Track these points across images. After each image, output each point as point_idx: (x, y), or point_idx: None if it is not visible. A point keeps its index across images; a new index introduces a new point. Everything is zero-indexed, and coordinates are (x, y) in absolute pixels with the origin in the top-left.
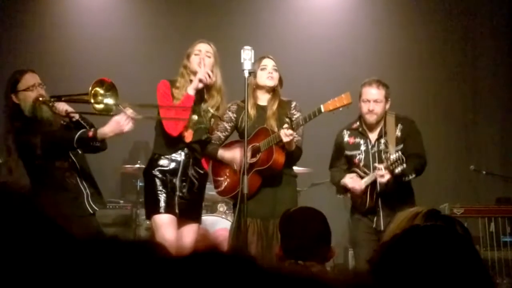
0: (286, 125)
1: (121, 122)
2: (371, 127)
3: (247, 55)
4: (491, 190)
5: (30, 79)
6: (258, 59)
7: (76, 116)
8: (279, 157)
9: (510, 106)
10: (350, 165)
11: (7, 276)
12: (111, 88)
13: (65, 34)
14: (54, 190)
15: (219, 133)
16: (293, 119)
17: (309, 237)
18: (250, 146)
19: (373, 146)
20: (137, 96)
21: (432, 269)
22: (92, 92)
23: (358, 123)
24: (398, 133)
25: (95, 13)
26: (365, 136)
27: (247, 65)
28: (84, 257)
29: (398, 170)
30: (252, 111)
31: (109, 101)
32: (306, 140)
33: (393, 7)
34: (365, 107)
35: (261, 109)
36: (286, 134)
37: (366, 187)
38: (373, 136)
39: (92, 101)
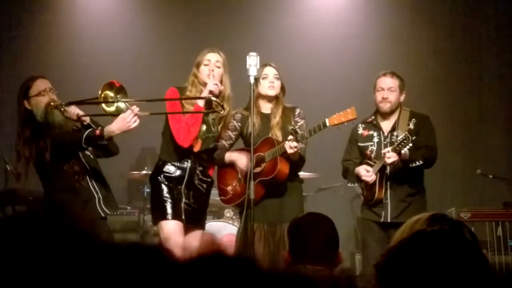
0: (291, 137)
1: (127, 119)
2: (385, 118)
3: (252, 61)
4: (498, 194)
5: (41, 84)
6: (260, 66)
7: (87, 120)
8: (283, 168)
9: None
10: (363, 158)
11: (28, 279)
12: (121, 90)
13: (71, 36)
14: (65, 193)
15: (223, 142)
16: (298, 130)
17: (317, 242)
18: (255, 156)
19: (385, 138)
20: (139, 96)
21: (439, 274)
22: (102, 95)
23: (373, 117)
24: (412, 126)
25: (100, 15)
26: (378, 128)
27: (252, 71)
28: (105, 261)
29: (405, 150)
30: (256, 120)
31: (120, 103)
32: (312, 146)
33: (397, 8)
34: (379, 96)
35: (265, 118)
36: (291, 147)
37: (375, 176)
38: (386, 128)
39: (103, 104)
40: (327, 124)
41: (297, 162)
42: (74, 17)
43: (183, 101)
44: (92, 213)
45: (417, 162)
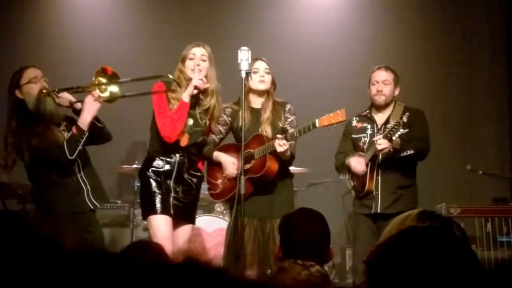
0: (280, 136)
1: (92, 101)
2: (379, 111)
3: (244, 56)
4: (488, 190)
5: (31, 72)
6: (251, 61)
7: (79, 106)
8: (272, 166)
9: (507, 106)
10: (356, 150)
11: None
12: (113, 77)
13: (61, 33)
14: (52, 187)
15: (214, 136)
16: (288, 127)
17: (308, 237)
18: (244, 152)
19: (379, 130)
20: (130, 90)
21: (428, 270)
22: (96, 81)
23: (367, 110)
24: (405, 119)
25: (91, 11)
26: (372, 121)
27: (244, 66)
28: (71, 269)
29: (396, 135)
30: (246, 115)
31: (113, 88)
32: (303, 140)
33: (391, 6)
34: (374, 89)
35: (255, 112)
36: (280, 145)
37: (367, 166)
38: (380, 121)
39: (97, 90)
40: (317, 125)
41: (286, 160)
42: (63, 15)
43: (169, 97)
44: (79, 206)
45: (408, 151)
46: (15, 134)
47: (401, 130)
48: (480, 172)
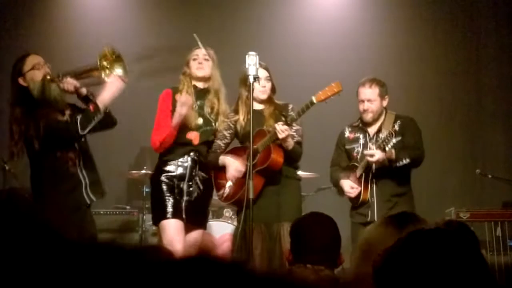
0: (281, 122)
1: (115, 83)
2: (370, 123)
3: (251, 61)
4: (497, 194)
5: (34, 59)
6: None
7: (84, 91)
8: (277, 156)
9: None
10: (350, 160)
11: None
12: (117, 59)
13: (68, 32)
14: (51, 180)
15: (219, 141)
16: (287, 114)
17: (319, 242)
18: (249, 150)
19: (371, 139)
20: (139, 96)
21: (436, 274)
22: (100, 64)
23: (359, 120)
24: (396, 127)
25: (99, 13)
26: (364, 131)
27: (251, 71)
28: (77, 263)
29: (389, 146)
30: (247, 117)
31: (118, 71)
32: (311, 144)
33: (395, 6)
34: (360, 107)
35: (257, 113)
36: (281, 130)
37: (360, 178)
38: (371, 130)
39: (102, 73)
40: (314, 101)
41: (294, 151)
42: (72, 12)
43: (176, 99)
44: (76, 201)
45: (403, 161)
46: (21, 122)
47: (394, 140)
48: (490, 176)
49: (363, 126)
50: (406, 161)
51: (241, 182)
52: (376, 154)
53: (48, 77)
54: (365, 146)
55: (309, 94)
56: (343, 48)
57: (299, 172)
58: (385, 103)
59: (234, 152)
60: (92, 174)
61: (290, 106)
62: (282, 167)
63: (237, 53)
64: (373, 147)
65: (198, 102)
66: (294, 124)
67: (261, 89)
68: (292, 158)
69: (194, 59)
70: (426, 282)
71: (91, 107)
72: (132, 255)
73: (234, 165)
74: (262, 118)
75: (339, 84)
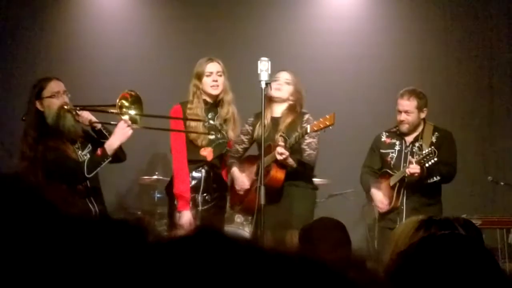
0: (281, 143)
1: (124, 129)
2: (409, 133)
3: (264, 66)
4: (509, 201)
5: (55, 86)
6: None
7: (99, 126)
8: (276, 175)
9: None
10: (383, 165)
11: (10, 264)
12: (136, 100)
13: (82, 41)
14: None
15: (237, 146)
16: (287, 137)
17: (329, 247)
18: (256, 164)
19: (407, 147)
20: (150, 104)
21: (450, 278)
22: (119, 104)
23: (397, 127)
24: (434, 139)
25: (112, 21)
26: (401, 138)
27: (264, 76)
28: (77, 238)
29: (429, 163)
30: (266, 123)
31: (132, 112)
32: (323, 152)
33: (409, 14)
34: (398, 117)
35: (275, 121)
36: (278, 153)
37: (394, 186)
38: (409, 138)
39: (118, 112)
40: (308, 131)
41: (301, 168)
42: (84, 20)
43: (186, 114)
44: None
45: (434, 178)
46: (31, 148)
47: (435, 158)
48: (502, 183)
49: (400, 133)
50: (436, 178)
51: (246, 191)
52: (415, 169)
53: (65, 107)
54: (400, 153)
55: (322, 94)
56: (357, 57)
57: (313, 180)
58: (423, 115)
59: (246, 162)
60: (101, 203)
61: (306, 117)
62: (283, 184)
63: (249, 54)
64: (413, 160)
65: (209, 116)
66: (306, 137)
67: (276, 86)
68: (301, 172)
69: (208, 76)
70: (439, 286)
71: (99, 151)
72: (130, 233)
73: (239, 181)
74: (277, 128)
75: (332, 117)
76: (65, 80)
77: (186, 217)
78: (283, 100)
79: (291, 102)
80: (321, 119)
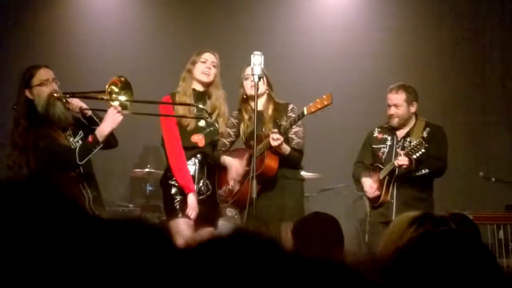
0: (274, 130)
1: (114, 115)
2: (399, 127)
3: (257, 60)
4: (500, 197)
5: (44, 74)
6: (246, 66)
7: (89, 113)
8: (271, 163)
9: None
10: (374, 159)
11: (24, 255)
12: (126, 86)
13: (75, 36)
14: None
15: (223, 140)
16: (281, 123)
17: (322, 242)
18: (247, 155)
19: (398, 142)
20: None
21: (448, 275)
22: (108, 89)
23: (389, 122)
24: (425, 134)
25: (105, 17)
26: (392, 133)
27: (256, 70)
28: (108, 238)
29: (417, 155)
30: (249, 117)
31: (122, 98)
32: (315, 146)
33: (403, 12)
34: (388, 112)
35: (258, 114)
36: (273, 139)
37: (383, 179)
38: (400, 133)
39: (108, 98)
40: (305, 113)
41: (292, 156)
42: (77, 10)
43: (176, 108)
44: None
45: (422, 171)
46: (22, 136)
47: (422, 150)
48: (493, 179)
49: (392, 128)
50: (425, 171)
51: (238, 184)
52: (403, 161)
53: (55, 94)
54: (391, 148)
55: (312, 90)
56: (349, 54)
57: (302, 173)
58: (413, 109)
59: (235, 154)
60: (95, 189)
61: (290, 106)
62: (277, 172)
63: (242, 50)
64: (401, 153)
65: (198, 104)
66: (293, 126)
67: (251, 84)
68: (292, 160)
69: (203, 62)
70: (437, 283)
71: (90, 138)
72: (155, 234)
73: (234, 168)
74: (263, 120)
75: (330, 96)
76: (65, 80)
77: (192, 199)
78: (262, 95)
79: (267, 92)
80: (317, 100)
